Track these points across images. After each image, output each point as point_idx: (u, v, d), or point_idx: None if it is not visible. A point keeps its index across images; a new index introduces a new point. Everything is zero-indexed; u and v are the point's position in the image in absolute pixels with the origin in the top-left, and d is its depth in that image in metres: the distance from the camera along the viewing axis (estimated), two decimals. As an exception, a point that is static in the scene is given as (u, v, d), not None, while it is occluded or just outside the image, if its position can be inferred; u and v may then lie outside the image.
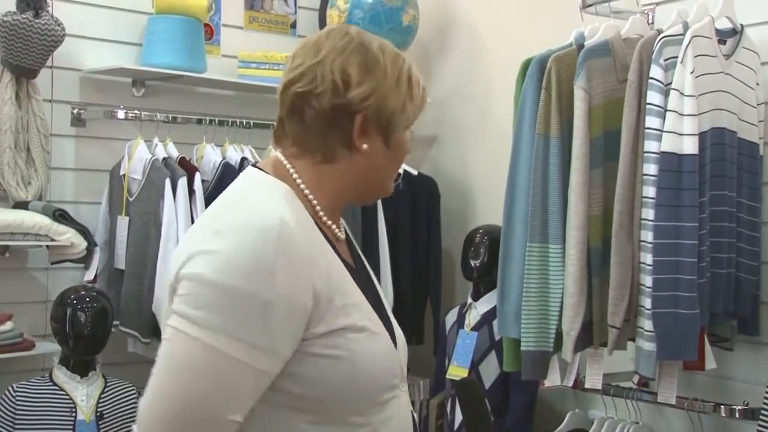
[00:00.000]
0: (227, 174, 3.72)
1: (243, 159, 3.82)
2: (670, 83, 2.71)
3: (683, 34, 2.75)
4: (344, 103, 1.62)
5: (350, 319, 1.56)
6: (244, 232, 1.49)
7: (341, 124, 1.63)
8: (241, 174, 1.71)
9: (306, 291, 1.50)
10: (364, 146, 1.63)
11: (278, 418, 1.54)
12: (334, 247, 1.64)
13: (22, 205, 3.51)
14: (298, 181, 1.64)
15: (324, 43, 1.64)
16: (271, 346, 1.47)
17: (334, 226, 1.68)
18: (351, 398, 1.55)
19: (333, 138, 1.63)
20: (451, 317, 3.86)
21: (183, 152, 3.79)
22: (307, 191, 1.64)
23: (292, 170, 1.65)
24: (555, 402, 3.71)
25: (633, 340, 2.82)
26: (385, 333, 1.64)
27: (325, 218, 1.66)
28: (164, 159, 3.69)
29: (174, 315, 1.49)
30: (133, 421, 3.44)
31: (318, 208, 1.65)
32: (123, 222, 3.67)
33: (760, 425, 2.78)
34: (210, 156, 3.82)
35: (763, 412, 2.78)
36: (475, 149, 4.26)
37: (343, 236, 1.74)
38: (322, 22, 4.39)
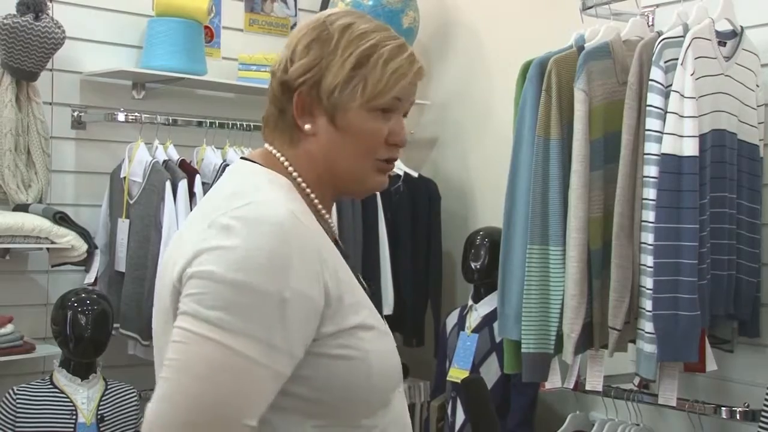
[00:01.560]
0: (228, 176, 3.71)
1: (243, 161, 3.82)
2: (671, 85, 2.71)
3: (683, 36, 2.75)
4: (286, 80, 1.57)
5: (359, 317, 1.49)
6: (255, 227, 1.41)
7: (286, 103, 1.57)
8: (231, 167, 1.63)
9: (318, 288, 1.43)
10: (307, 126, 1.56)
11: (284, 423, 1.46)
12: (336, 243, 1.59)
13: (23, 208, 3.50)
14: (295, 174, 1.58)
15: None
16: (288, 346, 1.40)
17: (330, 220, 1.62)
18: (363, 400, 1.49)
19: (285, 120, 1.58)
20: (451, 319, 3.86)
21: (183, 155, 3.79)
22: (304, 184, 1.58)
23: (285, 161, 1.59)
24: (556, 404, 3.71)
25: (633, 341, 2.82)
26: (390, 333, 1.58)
27: (323, 211, 1.60)
28: (165, 161, 3.69)
29: (185, 316, 1.40)
30: (134, 423, 3.44)
31: (316, 201, 1.59)
32: (123, 224, 3.67)
33: (760, 427, 2.78)
34: (210, 158, 3.81)
35: (764, 413, 2.78)
36: (476, 151, 4.26)
37: (336, 232, 1.68)
38: (322, 25, 4.39)
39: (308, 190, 1.57)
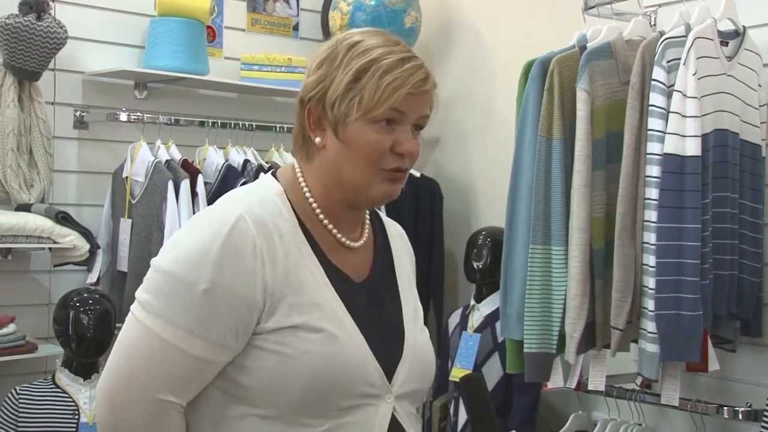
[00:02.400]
0: (230, 176, 3.72)
1: (245, 161, 3.82)
2: (673, 85, 2.71)
3: (685, 36, 2.75)
4: (301, 96, 1.67)
5: (304, 318, 1.57)
6: (204, 226, 1.59)
7: (301, 118, 1.68)
8: None
9: (254, 285, 1.55)
10: (317, 139, 1.66)
11: (229, 406, 1.60)
12: (320, 252, 1.64)
13: (25, 208, 3.51)
14: (302, 184, 1.68)
15: None
16: (206, 333, 1.54)
17: (335, 230, 1.69)
18: (296, 397, 1.56)
19: (304, 136, 1.68)
20: (453, 319, 3.86)
21: (185, 155, 3.79)
22: (308, 194, 1.68)
23: (299, 172, 1.70)
24: (558, 404, 3.71)
25: (636, 341, 2.81)
26: (356, 340, 1.61)
27: (326, 221, 1.68)
28: (167, 161, 3.69)
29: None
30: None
31: (318, 210, 1.67)
32: (125, 224, 3.67)
33: (763, 427, 2.78)
34: (212, 158, 3.82)
35: (766, 413, 2.78)
36: (478, 151, 4.26)
37: (357, 244, 1.72)
38: (325, 25, 4.39)
39: (311, 200, 1.67)
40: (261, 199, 1.64)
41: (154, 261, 1.60)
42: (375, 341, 1.64)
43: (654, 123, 2.72)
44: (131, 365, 1.57)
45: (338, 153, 1.63)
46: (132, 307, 1.60)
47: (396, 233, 1.88)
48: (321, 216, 1.67)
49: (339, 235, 1.69)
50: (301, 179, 1.68)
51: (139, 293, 1.59)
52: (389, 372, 1.65)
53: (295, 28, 4.48)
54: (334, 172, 1.65)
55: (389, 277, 1.79)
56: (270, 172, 1.76)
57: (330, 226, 1.68)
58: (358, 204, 1.69)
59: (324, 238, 1.67)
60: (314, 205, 1.67)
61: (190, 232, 1.62)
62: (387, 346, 1.67)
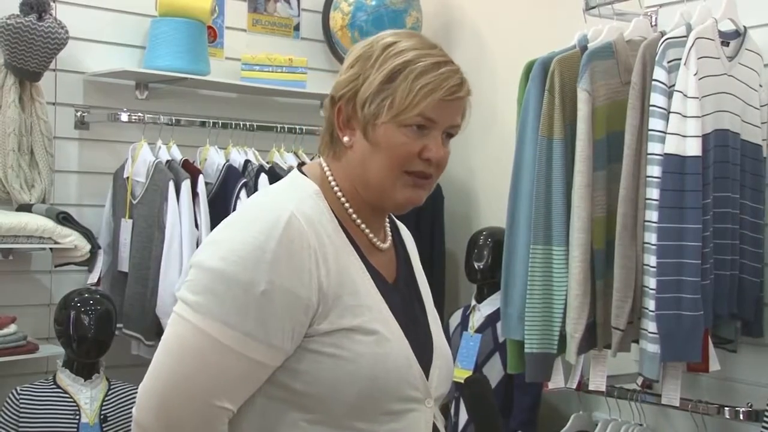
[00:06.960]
0: (230, 176, 3.72)
1: (246, 161, 3.82)
2: (674, 85, 2.71)
3: (686, 36, 2.75)
4: (332, 95, 1.65)
5: (359, 320, 1.54)
6: (250, 224, 1.53)
7: (331, 117, 1.65)
8: None
9: (309, 286, 1.50)
10: (345, 138, 1.63)
11: (278, 412, 1.54)
12: (360, 253, 1.63)
13: (26, 208, 3.51)
14: (333, 183, 1.65)
15: None
16: (264, 336, 1.48)
17: (368, 230, 1.67)
18: (351, 401, 1.53)
19: (333, 135, 1.66)
20: (454, 319, 3.86)
21: (186, 155, 3.79)
22: (339, 193, 1.65)
23: (328, 171, 1.66)
24: (559, 404, 3.71)
25: (637, 342, 2.82)
26: (403, 342, 1.60)
27: (359, 221, 1.66)
28: (168, 162, 3.69)
29: (178, 300, 1.54)
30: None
31: (351, 210, 1.65)
32: (126, 225, 3.67)
33: (763, 427, 2.78)
34: (213, 158, 3.81)
35: (767, 414, 2.78)
36: (479, 151, 4.26)
37: (385, 246, 1.71)
38: (326, 25, 4.39)
39: (343, 200, 1.64)
40: (303, 197, 1.60)
41: (196, 260, 1.54)
42: (413, 344, 1.63)
43: (655, 123, 2.72)
44: (187, 370, 1.50)
45: (365, 154, 1.61)
46: (177, 308, 1.53)
47: (407, 235, 1.88)
48: (354, 216, 1.65)
49: (371, 236, 1.68)
50: (331, 179, 1.65)
51: (185, 294, 1.52)
52: (426, 375, 1.65)
53: (296, 28, 4.47)
54: (360, 173, 1.62)
55: (411, 279, 1.78)
56: (297, 169, 1.71)
57: (363, 226, 1.66)
58: (383, 207, 1.67)
59: (360, 239, 1.65)
60: (347, 205, 1.65)
61: (236, 229, 1.54)
62: (422, 349, 1.66)
